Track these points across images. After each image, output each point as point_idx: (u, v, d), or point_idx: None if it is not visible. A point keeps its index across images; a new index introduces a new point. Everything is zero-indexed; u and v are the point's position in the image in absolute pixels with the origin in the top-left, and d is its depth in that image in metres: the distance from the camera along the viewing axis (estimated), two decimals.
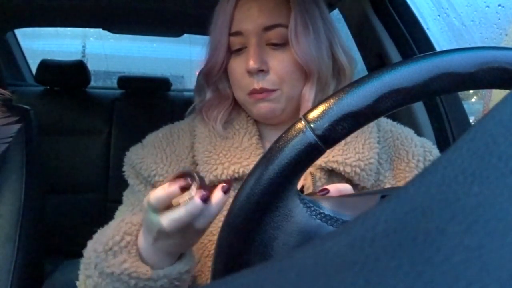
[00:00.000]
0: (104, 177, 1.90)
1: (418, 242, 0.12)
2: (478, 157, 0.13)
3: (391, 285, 0.11)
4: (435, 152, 0.65)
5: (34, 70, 2.03)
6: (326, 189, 0.43)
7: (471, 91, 1.37)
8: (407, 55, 1.01)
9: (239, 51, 0.62)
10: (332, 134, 0.33)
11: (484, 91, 1.26)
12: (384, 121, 0.67)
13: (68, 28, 2.58)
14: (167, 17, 1.70)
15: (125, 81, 2.10)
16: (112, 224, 0.53)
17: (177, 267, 0.48)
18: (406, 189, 0.13)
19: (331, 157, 0.58)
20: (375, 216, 0.13)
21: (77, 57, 2.80)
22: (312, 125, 0.33)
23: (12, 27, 1.96)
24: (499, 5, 1.08)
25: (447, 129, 0.98)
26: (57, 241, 1.63)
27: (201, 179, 0.42)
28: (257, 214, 0.35)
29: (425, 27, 1.03)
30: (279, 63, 0.59)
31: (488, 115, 0.14)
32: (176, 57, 3.49)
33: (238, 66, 0.61)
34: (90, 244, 0.52)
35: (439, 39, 1.09)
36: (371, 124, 0.63)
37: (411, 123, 0.98)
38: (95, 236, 0.53)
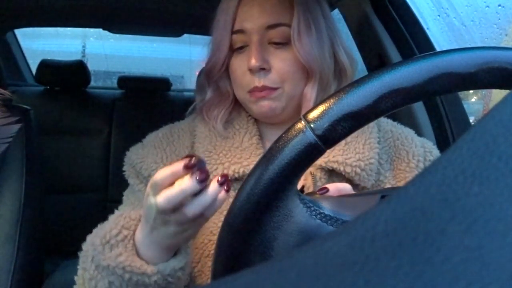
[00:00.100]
0: (104, 177, 1.90)
1: (418, 242, 0.12)
2: (478, 157, 0.13)
3: (391, 285, 0.11)
4: (435, 152, 0.65)
5: (34, 70, 2.03)
6: (325, 188, 0.44)
7: (471, 91, 1.37)
8: (407, 55, 1.01)
9: (241, 49, 0.62)
10: (332, 134, 0.33)
11: (484, 91, 1.26)
12: (384, 121, 0.67)
13: (68, 28, 2.58)
14: (167, 17, 1.70)
15: (125, 81, 2.10)
16: (111, 218, 0.54)
17: (172, 264, 0.48)
18: (406, 189, 0.13)
19: (332, 157, 0.58)
20: (375, 216, 0.13)
21: (77, 57, 2.80)
22: (312, 125, 0.33)
23: (12, 27, 1.96)
24: (499, 5, 1.08)
25: (447, 129, 0.98)
26: (57, 241, 1.63)
27: (203, 163, 0.42)
28: (257, 214, 0.35)
29: (425, 27, 1.03)
30: (281, 62, 0.59)
31: (488, 115, 0.14)
32: (176, 57, 3.49)
33: (240, 64, 0.61)
34: (89, 237, 0.53)
35: (439, 39, 1.09)
36: (372, 124, 0.63)
37: (411, 123, 0.98)
38: (95, 230, 0.54)
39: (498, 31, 1.09)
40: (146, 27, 1.89)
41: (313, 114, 0.33)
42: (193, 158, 0.41)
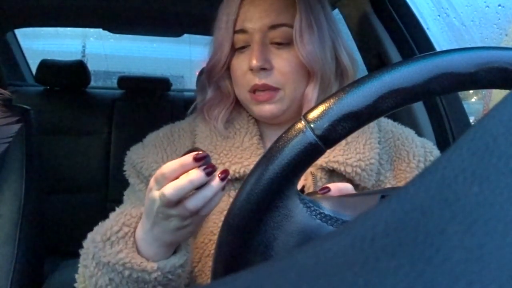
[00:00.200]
0: (104, 177, 1.90)
1: (418, 242, 0.12)
2: (478, 157, 0.13)
3: (391, 285, 0.11)
4: (436, 152, 0.65)
5: (34, 70, 2.03)
6: (327, 187, 0.44)
7: (471, 91, 1.37)
8: (407, 55, 1.01)
9: (242, 49, 0.62)
10: (332, 134, 0.33)
11: (484, 91, 1.26)
12: (384, 122, 0.67)
13: (68, 28, 2.58)
14: (167, 17, 1.70)
15: (125, 81, 2.10)
16: (111, 216, 0.54)
17: (172, 261, 0.48)
18: (406, 189, 0.13)
19: (332, 157, 0.58)
20: (375, 216, 0.13)
21: (77, 57, 2.80)
22: (312, 125, 0.33)
23: (12, 27, 1.96)
24: (499, 5, 1.08)
25: (447, 129, 0.98)
26: (57, 241, 1.63)
27: (209, 157, 0.43)
28: (257, 214, 0.35)
29: (425, 27, 1.03)
30: (282, 62, 0.59)
31: (488, 115, 0.14)
32: (176, 57, 3.49)
33: (241, 64, 0.61)
34: (90, 235, 0.53)
35: (439, 39, 1.09)
36: (372, 125, 0.63)
37: (411, 123, 0.98)
38: (95, 228, 0.54)
39: (498, 31, 1.09)
40: (146, 27, 1.89)
41: (313, 114, 0.33)
42: (201, 151, 0.43)
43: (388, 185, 0.61)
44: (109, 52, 3.37)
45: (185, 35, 1.97)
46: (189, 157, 0.42)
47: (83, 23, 1.97)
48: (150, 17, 1.69)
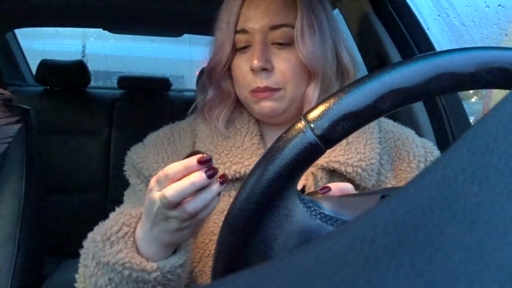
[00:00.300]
0: (104, 177, 1.90)
1: (418, 242, 0.12)
2: (478, 157, 0.13)
3: (391, 285, 0.11)
4: (436, 152, 0.66)
5: (34, 70, 2.03)
6: (327, 187, 0.44)
7: (471, 91, 1.37)
8: (407, 55, 1.01)
9: (243, 49, 0.62)
10: (332, 134, 0.33)
11: (484, 91, 1.26)
12: (385, 122, 0.67)
13: (68, 28, 2.58)
14: (167, 17, 1.70)
15: (125, 81, 2.10)
16: (111, 216, 0.54)
17: (171, 261, 0.49)
18: (406, 189, 0.13)
19: (333, 157, 0.58)
20: (375, 216, 0.13)
21: (77, 57, 2.80)
22: (312, 125, 0.33)
23: (12, 27, 1.96)
24: (499, 5, 1.08)
25: (447, 129, 0.98)
26: (57, 241, 1.63)
27: (211, 160, 0.44)
28: (257, 214, 0.35)
29: (425, 27, 1.03)
30: (283, 63, 0.59)
31: (488, 115, 0.14)
32: (176, 57, 3.49)
33: (242, 64, 0.61)
34: (90, 235, 0.53)
35: (439, 39, 1.09)
36: (372, 125, 0.63)
37: (411, 123, 0.98)
38: (96, 228, 0.54)
39: (498, 31, 1.09)
40: (146, 27, 1.89)
41: (313, 114, 0.33)
42: (203, 154, 0.43)
43: (389, 185, 0.61)
44: (109, 52, 3.37)
45: (185, 35, 1.97)
46: (193, 160, 0.42)
47: (83, 23, 1.97)
48: (150, 17, 1.69)
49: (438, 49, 1.03)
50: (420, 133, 0.72)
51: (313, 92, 0.61)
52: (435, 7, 1.18)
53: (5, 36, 1.96)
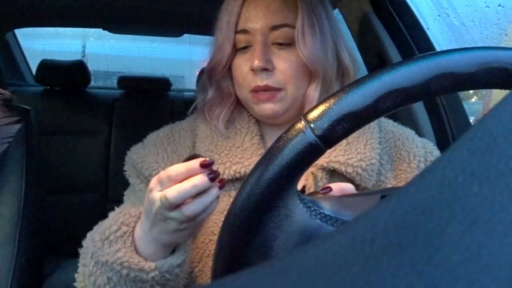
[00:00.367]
0: (104, 177, 1.90)
1: (418, 242, 0.12)
2: (478, 157, 0.13)
3: (391, 285, 0.11)
4: (436, 153, 0.66)
5: (34, 70, 2.03)
6: (328, 187, 0.44)
7: (471, 91, 1.37)
8: (407, 55, 1.01)
9: (244, 49, 0.62)
10: (332, 134, 0.33)
11: (484, 91, 1.26)
12: (385, 122, 0.67)
13: (68, 28, 2.58)
14: (167, 17, 1.70)
15: (125, 81, 2.10)
16: (111, 215, 0.54)
17: (169, 260, 0.49)
18: (406, 189, 0.13)
19: (333, 157, 0.58)
20: (375, 216, 0.13)
21: (77, 57, 2.80)
22: (312, 125, 0.33)
23: (12, 27, 1.96)
24: (499, 5, 1.08)
25: (447, 129, 0.98)
26: (57, 241, 1.63)
27: (213, 164, 0.44)
28: (257, 214, 0.35)
29: (425, 27, 1.03)
30: (284, 63, 0.59)
31: (488, 115, 0.14)
32: (176, 57, 3.49)
33: (243, 64, 0.61)
34: (89, 234, 0.53)
35: (439, 39, 1.09)
36: (373, 125, 0.63)
37: (411, 123, 0.98)
38: (95, 227, 0.54)
39: (498, 31, 1.09)
40: (146, 27, 1.89)
41: (313, 114, 0.33)
42: (207, 158, 0.43)
43: (389, 185, 0.61)
44: (109, 52, 3.37)
45: (185, 35, 1.97)
46: (196, 163, 0.43)
47: (83, 23, 1.97)
48: (150, 17, 1.69)
49: (438, 49, 1.03)
50: (420, 133, 0.72)
51: (314, 92, 0.61)
52: (435, 7, 1.18)
53: (5, 36, 1.96)
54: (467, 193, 0.12)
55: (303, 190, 0.58)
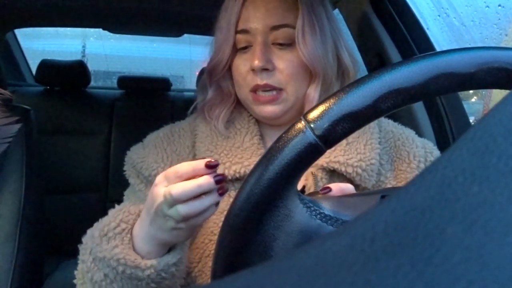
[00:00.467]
0: (104, 177, 1.90)
1: (418, 242, 0.12)
2: (478, 157, 0.13)
3: (391, 285, 0.11)
4: (436, 153, 0.66)
5: (34, 70, 2.03)
6: (328, 187, 0.44)
7: (471, 91, 1.37)
8: (407, 55, 1.01)
9: (244, 49, 0.62)
10: (332, 134, 0.33)
11: (484, 91, 1.26)
12: (385, 122, 0.67)
13: (68, 28, 2.58)
14: (167, 17, 1.70)
15: (125, 81, 2.10)
16: (111, 212, 0.55)
17: (165, 259, 0.49)
18: (406, 189, 0.13)
19: (333, 157, 0.58)
20: (375, 216, 0.13)
21: (77, 57, 2.80)
22: (312, 125, 0.33)
23: (12, 27, 1.96)
24: (499, 5, 1.08)
25: (447, 129, 0.98)
26: (57, 241, 1.63)
27: (218, 166, 0.45)
28: (257, 214, 0.35)
29: (425, 27, 1.03)
30: (284, 63, 0.59)
31: (488, 115, 0.14)
32: (176, 57, 3.49)
33: (243, 64, 0.61)
34: (89, 231, 0.54)
35: (439, 39, 1.09)
36: (373, 125, 0.63)
37: (411, 123, 0.98)
38: (95, 224, 0.55)
39: (498, 31, 1.09)
40: (146, 27, 1.89)
41: (313, 114, 0.33)
42: (213, 159, 0.44)
43: (389, 186, 0.61)
44: (109, 52, 3.37)
45: (185, 35, 1.97)
46: (201, 163, 0.43)
47: (83, 23, 1.97)
48: (150, 17, 1.69)
49: (438, 49, 1.03)
50: (420, 133, 0.72)
51: (314, 93, 0.61)
52: (435, 7, 1.18)
53: (5, 36, 1.96)
54: (467, 193, 0.12)
55: (303, 190, 0.58)
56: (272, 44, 0.60)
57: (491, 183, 0.12)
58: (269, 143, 0.64)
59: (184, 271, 0.54)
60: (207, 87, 0.67)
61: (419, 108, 1.01)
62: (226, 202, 0.59)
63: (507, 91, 0.17)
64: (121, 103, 2.00)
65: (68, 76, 1.92)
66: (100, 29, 1.95)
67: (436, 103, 0.99)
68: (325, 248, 0.13)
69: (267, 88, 0.59)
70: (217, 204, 0.45)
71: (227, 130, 0.64)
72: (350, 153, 0.59)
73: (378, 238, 0.12)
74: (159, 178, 0.45)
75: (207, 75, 0.67)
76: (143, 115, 1.95)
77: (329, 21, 0.63)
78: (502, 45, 1.14)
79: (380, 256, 0.12)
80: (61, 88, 1.95)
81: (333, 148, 0.34)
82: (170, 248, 0.51)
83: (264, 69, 0.59)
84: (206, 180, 0.43)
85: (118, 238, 0.49)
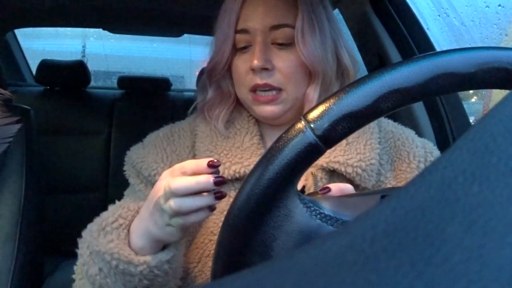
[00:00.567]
0: (104, 177, 1.90)
1: (418, 242, 0.12)
2: (478, 157, 0.13)
3: (391, 285, 0.11)
4: (436, 153, 0.66)
5: (34, 70, 2.03)
6: (327, 187, 0.44)
7: (471, 91, 1.37)
8: (407, 55, 1.01)
9: (244, 49, 0.62)
10: (332, 134, 0.33)
11: (484, 91, 1.26)
12: (385, 122, 0.67)
13: (68, 28, 2.58)
14: (167, 17, 1.70)
15: (125, 81, 2.09)
16: (110, 208, 0.55)
17: (159, 256, 0.49)
18: (406, 189, 0.13)
19: (333, 157, 0.58)
20: (375, 216, 0.13)
21: (77, 57, 2.80)
22: (312, 125, 0.33)
23: (12, 27, 1.96)
24: (499, 5, 1.08)
25: (447, 129, 0.98)
26: (57, 241, 1.63)
27: (218, 165, 0.46)
28: (257, 214, 0.35)
29: (425, 27, 1.03)
30: (284, 63, 0.59)
31: (488, 115, 0.14)
32: (176, 57, 3.49)
33: (243, 64, 0.61)
34: (89, 225, 0.54)
35: (439, 39, 1.09)
36: (372, 125, 0.63)
37: (411, 123, 0.98)
38: (95, 219, 0.55)
39: (498, 31, 1.09)
40: (146, 27, 1.89)
41: (313, 114, 0.33)
42: (215, 160, 0.45)
43: (389, 186, 0.61)
44: (109, 52, 3.37)
45: (185, 35, 1.97)
46: (204, 161, 0.44)
47: (83, 23, 1.97)
48: (150, 17, 1.69)
49: (438, 49, 1.03)
50: (420, 133, 0.72)
51: (313, 93, 0.61)
52: (435, 7, 1.18)
53: (5, 36, 1.96)
54: (467, 193, 0.12)
55: (303, 190, 0.58)
56: (272, 44, 0.61)
57: (491, 183, 0.12)
58: (269, 143, 0.65)
59: (179, 271, 0.54)
60: (207, 87, 0.67)
61: (419, 108, 1.01)
62: (226, 202, 0.59)
63: (507, 91, 0.17)
64: (121, 103, 2.00)
65: (68, 76, 1.92)
66: (100, 29, 1.95)
67: (436, 103, 0.99)
68: (325, 248, 0.13)
69: (267, 87, 0.60)
70: (212, 209, 0.46)
71: (227, 130, 0.64)
72: (350, 153, 0.59)
73: (378, 238, 0.12)
74: (165, 173, 0.47)
75: (207, 75, 0.67)
76: (143, 115, 1.95)
77: (329, 21, 0.63)
78: (502, 45, 1.14)
79: (380, 256, 0.12)
80: (61, 88, 1.95)
81: (333, 148, 0.34)
82: (164, 246, 0.51)
83: (264, 69, 0.59)
84: (206, 179, 0.43)
85: (114, 233, 0.50)
